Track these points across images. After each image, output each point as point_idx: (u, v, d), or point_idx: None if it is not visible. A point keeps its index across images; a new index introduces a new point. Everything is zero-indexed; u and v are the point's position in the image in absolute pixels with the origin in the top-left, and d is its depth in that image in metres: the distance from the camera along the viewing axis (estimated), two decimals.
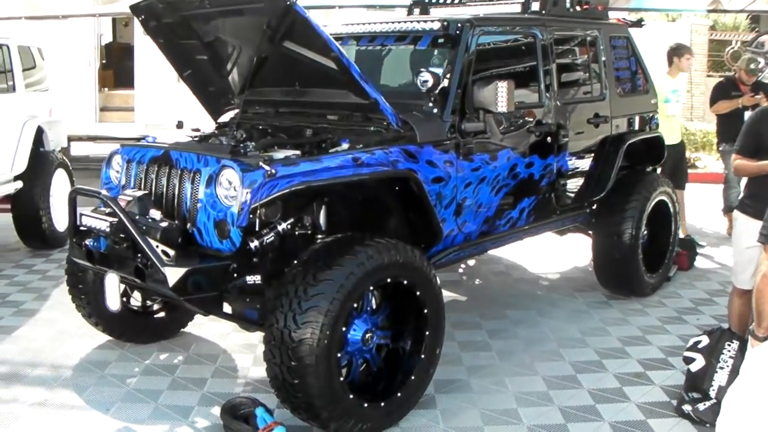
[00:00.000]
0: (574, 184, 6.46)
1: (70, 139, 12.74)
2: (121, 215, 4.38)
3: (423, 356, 4.65)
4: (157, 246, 4.33)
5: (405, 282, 4.48)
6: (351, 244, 4.29)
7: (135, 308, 5.75)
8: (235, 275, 4.46)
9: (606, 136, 6.68)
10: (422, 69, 5.09)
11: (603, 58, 6.68)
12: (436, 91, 5.09)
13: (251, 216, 4.27)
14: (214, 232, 4.39)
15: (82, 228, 4.77)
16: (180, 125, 5.80)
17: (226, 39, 5.41)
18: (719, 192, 9.32)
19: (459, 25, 5.35)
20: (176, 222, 4.54)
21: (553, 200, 6.19)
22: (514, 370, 5.38)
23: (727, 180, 9.16)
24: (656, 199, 6.83)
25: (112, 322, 5.63)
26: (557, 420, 4.64)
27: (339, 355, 4.20)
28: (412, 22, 5.68)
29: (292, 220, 4.60)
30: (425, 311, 4.61)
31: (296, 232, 4.67)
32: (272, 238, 4.50)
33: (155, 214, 4.49)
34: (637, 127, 7.09)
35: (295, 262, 4.32)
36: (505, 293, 7.18)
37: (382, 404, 4.47)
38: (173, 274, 4.26)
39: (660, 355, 5.60)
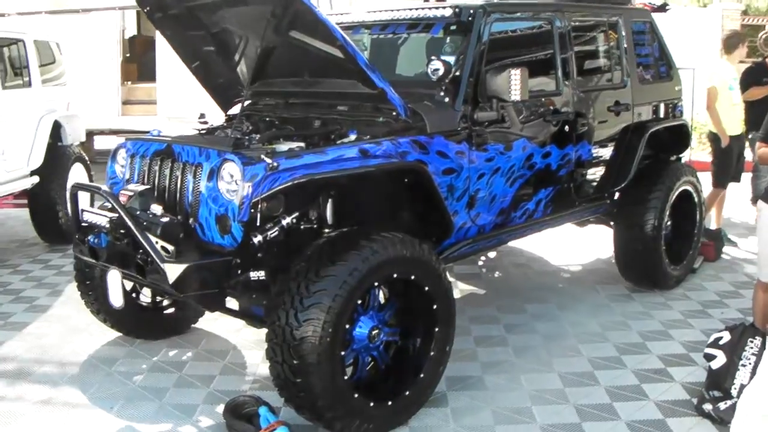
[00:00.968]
0: (594, 174, 6.28)
1: (93, 133, 12.83)
2: (120, 211, 4.28)
3: (433, 353, 4.51)
4: (157, 242, 4.21)
5: (413, 277, 4.33)
6: (356, 238, 4.15)
7: (144, 304, 5.66)
8: (239, 271, 4.34)
9: (628, 125, 6.49)
10: (433, 57, 4.94)
11: (624, 45, 6.48)
12: (447, 80, 4.93)
13: (253, 211, 4.15)
14: (215, 228, 4.28)
15: (84, 224, 4.68)
16: (202, 117, 5.69)
17: (233, 29, 5.30)
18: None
19: (471, 11, 5.18)
20: (178, 217, 4.42)
21: (572, 191, 6.01)
22: (531, 366, 5.22)
23: (756, 169, 8.88)
24: (680, 189, 6.63)
25: (121, 319, 5.55)
26: (572, 419, 4.48)
27: (343, 353, 4.07)
28: (424, 9, 5.52)
29: (297, 214, 4.46)
30: (435, 307, 4.47)
31: (302, 227, 4.53)
32: (276, 232, 4.37)
33: (156, 209, 4.38)
34: (660, 115, 6.86)
35: (299, 257, 4.18)
36: (525, 286, 7.01)
37: (390, 403, 4.34)
38: (173, 271, 4.15)
39: (682, 351, 5.41)
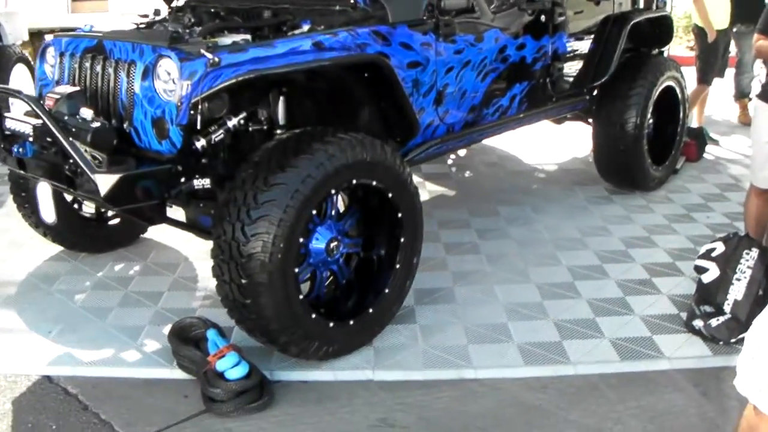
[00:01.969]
0: (572, 68, 5.83)
1: (41, 32, 12.09)
2: (43, 116, 3.78)
3: (398, 267, 4.11)
4: (86, 150, 3.73)
5: (374, 183, 3.89)
6: (309, 141, 3.67)
7: (87, 216, 5.21)
8: (181, 179, 3.89)
9: (608, 15, 6.03)
10: None
11: None
12: None
13: (192, 112, 3.66)
14: (152, 132, 3.80)
15: (7, 132, 4.16)
16: (157, 13, 5.12)
17: None
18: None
19: None
20: (112, 122, 3.94)
21: (549, 86, 5.56)
22: (505, 276, 4.85)
23: (740, 64, 8.48)
24: (664, 85, 6.20)
25: (62, 232, 5.11)
26: (551, 336, 4.12)
27: (297, 270, 3.65)
28: None
29: (244, 114, 3.98)
30: (399, 216, 4.05)
31: (250, 129, 4.06)
32: (221, 135, 3.90)
33: (86, 113, 3.86)
34: (642, 5, 6.41)
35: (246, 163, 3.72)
36: (498, 187, 6.61)
37: (351, 322, 3.95)
38: (105, 182, 3.67)
39: (667, 259, 5.05)
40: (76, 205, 5.09)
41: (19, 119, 4.00)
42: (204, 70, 3.58)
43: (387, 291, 4.08)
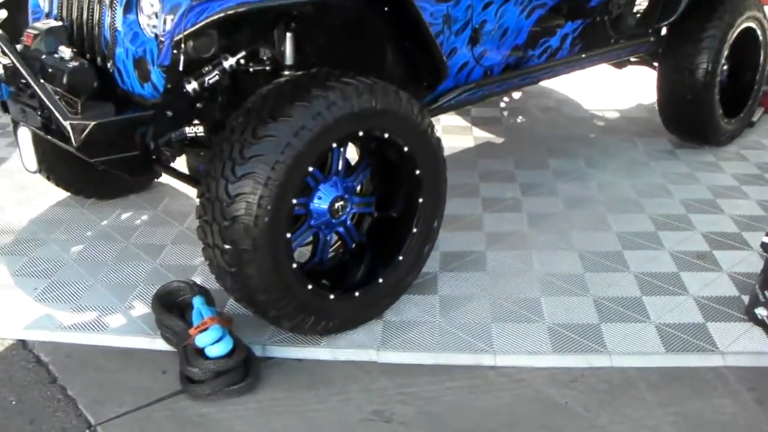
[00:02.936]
0: (635, 5, 5.12)
1: None
2: (11, 55, 3.33)
3: (415, 230, 3.59)
4: (62, 93, 3.28)
5: (387, 136, 3.36)
6: (307, 86, 3.14)
7: None
8: (170, 127, 3.43)
9: None
10: None
11: None
12: None
13: (176, 51, 3.15)
14: (134, 74, 3.32)
15: None
16: None
17: None
18: None
19: None
20: (98, 60, 3.47)
21: (608, 25, 4.90)
22: (546, 240, 4.31)
23: None
24: (743, 26, 5.46)
25: (67, 176, 4.69)
26: (588, 317, 3.57)
27: (290, 235, 3.16)
28: None
29: (244, 53, 3.48)
30: (417, 172, 3.51)
31: (251, 70, 3.56)
32: (216, 77, 3.41)
33: (65, 51, 3.40)
34: None
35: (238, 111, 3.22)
36: (551, 135, 6.00)
37: (358, 294, 3.46)
38: (77, 130, 3.23)
39: (733, 229, 4.42)
40: None
41: None
42: (188, 4, 3.07)
43: (401, 258, 3.58)
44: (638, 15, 5.17)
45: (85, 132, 3.22)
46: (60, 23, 3.59)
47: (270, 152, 2.97)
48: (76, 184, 4.78)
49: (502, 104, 6.71)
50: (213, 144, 3.24)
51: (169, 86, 3.25)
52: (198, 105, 3.51)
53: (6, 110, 3.80)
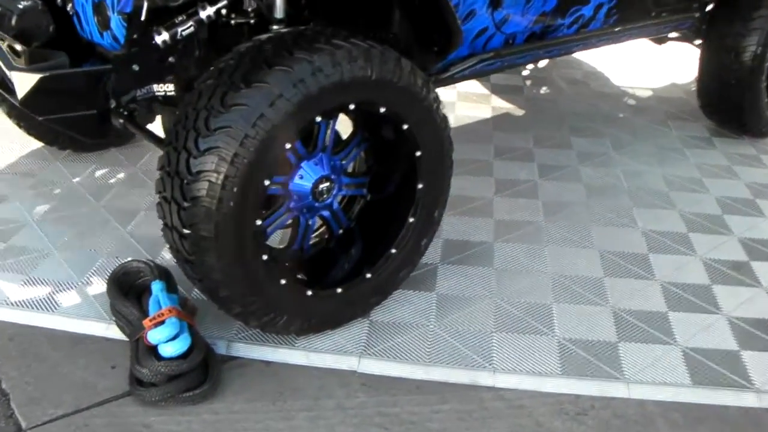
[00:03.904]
0: None
1: None
2: None
3: (411, 220, 3.11)
4: (7, 39, 2.83)
5: (381, 110, 2.87)
6: (291, 46, 2.65)
7: None
8: (137, 82, 2.97)
9: None
10: None
11: None
12: None
13: None
14: (93, 20, 2.85)
15: None
16: None
17: None
18: None
19: None
20: (58, 2, 3.01)
21: None
22: (562, 234, 3.83)
23: None
24: None
25: (41, 125, 4.21)
26: (606, 333, 3.11)
27: (260, 222, 2.69)
28: None
29: (224, 2, 2.99)
30: (418, 154, 3.02)
31: (232, 22, 3.07)
32: (191, 29, 2.92)
33: None
34: None
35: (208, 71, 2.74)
36: (576, 111, 5.47)
37: (340, 290, 3.00)
38: (22, 83, 2.78)
39: None
40: None
41: None
42: None
43: (393, 252, 3.11)
44: None
45: (31, 86, 2.76)
46: None
47: (239, 124, 2.49)
48: (49, 134, 4.32)
49: (525, 72, 6.18)
50: (179, 107, 2.77)
51: (132, 37, 2.78)
52: (170, 59, 3.03)
53: None
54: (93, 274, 3.35)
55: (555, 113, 5.41)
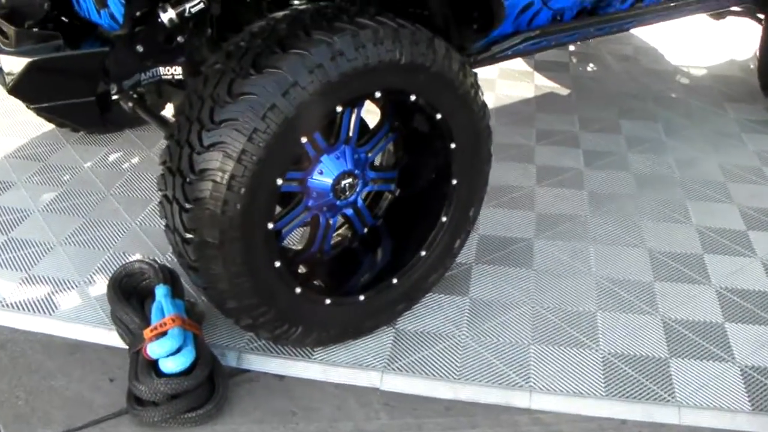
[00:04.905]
0: None
1: None
2: None
3: (444, 219, 2.81)
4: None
5: (412, 98, 2.55)
6: (309, 26, 2.33)
7: None
8: (140, 65, 2.69)
9: None
10: None
11: None
12: None
13: None
14: None
15: None
16: None
17: None
18: None
19: None
20: None
21: None
22: (609, 231, 3.51)
23: None
24: None
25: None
26: (655, 348, 2.79)
27: (271, 225, 2.39)
28: None
29: None
30: (452, 146, 2.71)
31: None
32: (201, 5, 2.63)
33: None
34: None
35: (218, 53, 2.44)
36: (625, 91, 5.10)
37: (363, 298, 2.70)
38: (10, 67, 2.51)
39: None
40: None
41: None
42: None
43: (423, 254, 2.80)
44: None
45: (20, 72, 2.49)
46: None
47: (247, 116, 2.20)
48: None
49: (572, 47, 5.81)
50: (185, 92, 2.48)
51: (133, 15, 2.49)
52: (179, 39, 2.74)
53: None
54: (96, 272, 3.11)
55: (602, 93, 5.05)
